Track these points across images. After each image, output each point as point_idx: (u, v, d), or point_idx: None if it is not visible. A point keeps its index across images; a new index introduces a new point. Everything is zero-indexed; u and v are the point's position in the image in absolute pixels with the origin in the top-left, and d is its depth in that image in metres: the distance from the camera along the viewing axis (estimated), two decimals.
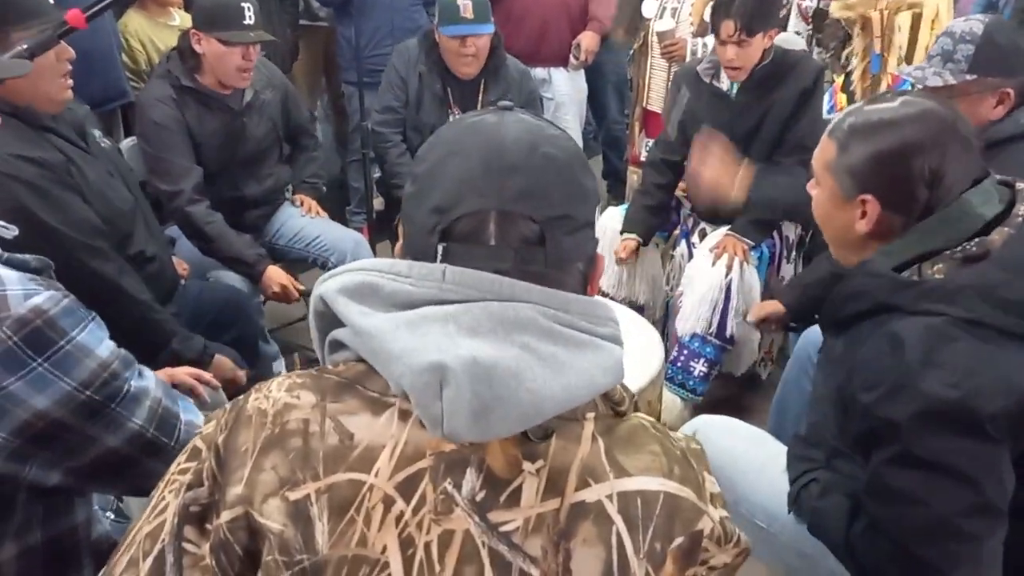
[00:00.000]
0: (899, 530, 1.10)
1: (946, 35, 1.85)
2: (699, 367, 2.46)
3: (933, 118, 1.17)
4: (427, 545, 0.69)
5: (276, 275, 2.41)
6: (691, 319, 2.45)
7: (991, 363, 1.07)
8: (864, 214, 1.22)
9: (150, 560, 0.72)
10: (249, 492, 0.69)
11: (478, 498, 0.70)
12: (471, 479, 0.70)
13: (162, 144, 2.30)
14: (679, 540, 0.73)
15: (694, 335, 2.45)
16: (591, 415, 0.74)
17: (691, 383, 2.48)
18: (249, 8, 2.30)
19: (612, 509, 0.71)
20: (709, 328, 2.43)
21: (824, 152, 1.27)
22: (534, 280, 0.72)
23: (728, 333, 2.44)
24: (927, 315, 1.10)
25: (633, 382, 1.81)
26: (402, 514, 0.69)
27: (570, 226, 0.75)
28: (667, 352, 2.41)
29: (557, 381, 0.69)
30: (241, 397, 0.77)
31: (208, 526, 0.71)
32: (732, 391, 2.67)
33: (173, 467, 0.77)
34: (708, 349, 2.46)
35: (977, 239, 1.15)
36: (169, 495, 0.75)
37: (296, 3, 3.61)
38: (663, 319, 2.80)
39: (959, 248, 1.15)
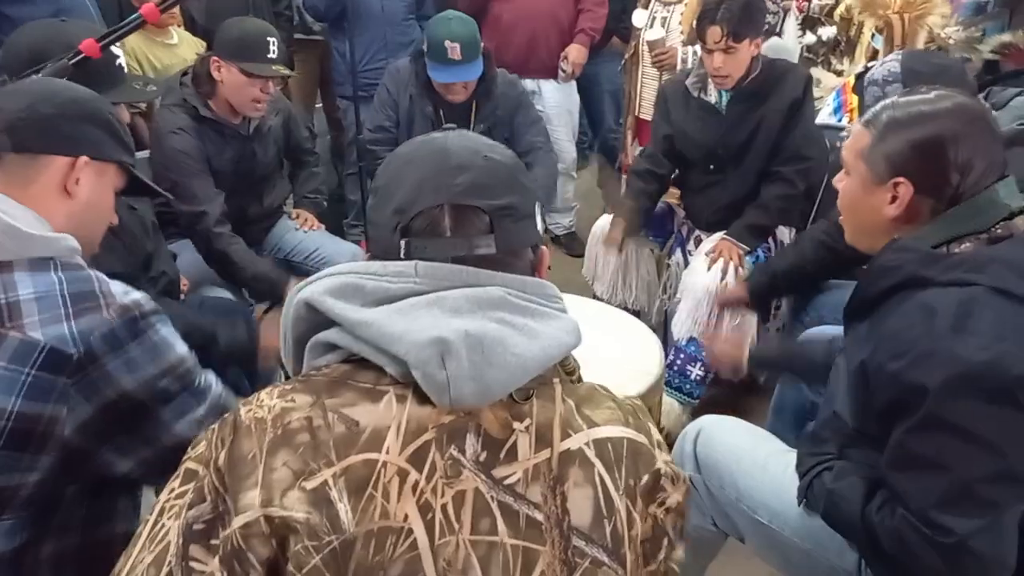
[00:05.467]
0: (921, 497, 1.13)
1: (872, 84, 1.95)
2: (696, 370, 2.49)
3: (967, 111, 1.25)
4: (444, 507, 0.75)
5: None
6: (687, 323, 2.47)
7: (1018, 330, 1.11)
8: (895, 198, 1.27)
9: None
10: (267, 492, 0.72)
11: (481, 458, 0.77)
12: (472, 443, 0.77)
13: (184, 171, 2.31)
14: (644, 478, 0.83)
15: (690, 339, 2.48)
16: (557, 380, 0.84)
17: (688, 386, 2.50)
18: (274, 43, 2.33)
19: (591, 454, 0.81)
20: (705, 332, 2.45)
21: (858, 141, 1.32)
22: (490, 264, 0.82)
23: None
24: (957, 285, 1.14)
25: (634, 387, 1.83)
26: (417, 483, 0.75)
27: (515, 215, 0.85)
28: (665, 357, 2.43)
29: (535, 344, 0.78)
30: (229, 414, 0.79)
31: (214, 541, 0.73)
32: (729, 395, 2.69)
33: (165, 495, 0.78)
34: (704, 353, 2.48)
35: (1002, 223, 1.22)
36: (168, 520, 0.76)
37: (291, 18, 3.63)
38: (663, 325, 2.82)
39: (985, 232, 1.22)
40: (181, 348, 1.14)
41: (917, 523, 1.12)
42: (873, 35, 3.00)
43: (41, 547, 1.07)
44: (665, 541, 0.86)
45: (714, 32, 2.34)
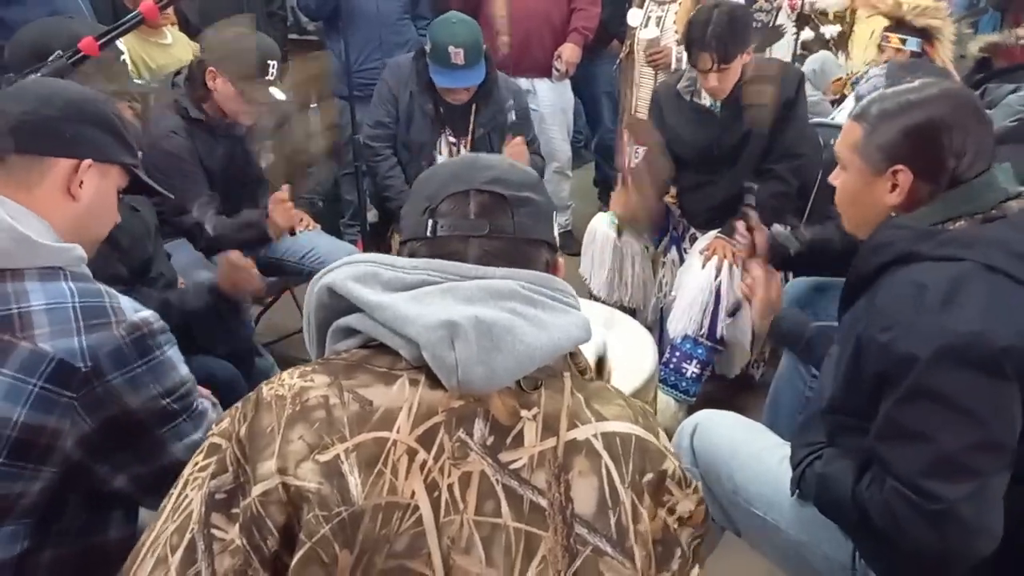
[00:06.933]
0: (908, 466, 1.15)
1: (858, 100, 1.96)
2: (691, 368, 2.50)
3: (954, 96, 1.29)
4: (450, 487, 0.77)
5: (274, 215, 2.41)
6: (682, 321, 2.48)
7: (1005, 305, 1.13)
8: (895, 186, 1.30)
9: (179, 553, 0.76)
10: (282, 462, 0.76)
11: (488, 443, 0.80)
12: (480, 427, 0.80)
13: (177, 172, 2.30)
14: (650, 475, 0.85)
15: (685, 336, 2.49)
16: (567, 374, 0.87)
17: (684, 384, 2.51)
18: (274, 65, 2.33)
19: (599, 446, 0.83)
20: (700, 330, 2.46)
21: (850, 135, 1.35)
22: (508, 252, 0.88)
23: (719, 334, 2.47)
24: (947, 260, 1.17)
25: (627, 383, 1.84)
26: (425, 462, 0.78)
27: (534, 207, 0.91)
28: (660, 355, 2.44)
29: (544, 335, 0.82)
30: (252, 392, 0.83)
31: (235, 510, 0.76)
32: (726, 393, 2.70)
33: (190, 468, 0.82)
34: (700, 350, 2.49)
35: (997, 206, 1.24)
36: (192, 492, 0.79)
37: (285, 18, 3.64)
38: (658, 323, 2.83)
39: (981, 213, 1.24)
40: (184, 370, 1.15)
41: (905, 491, 1.14)
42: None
43: (41, 554, 1.07)
44: (678, 552, 0.86)
45: (705, 59, 2.34)
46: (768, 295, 1.84)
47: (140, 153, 1.26)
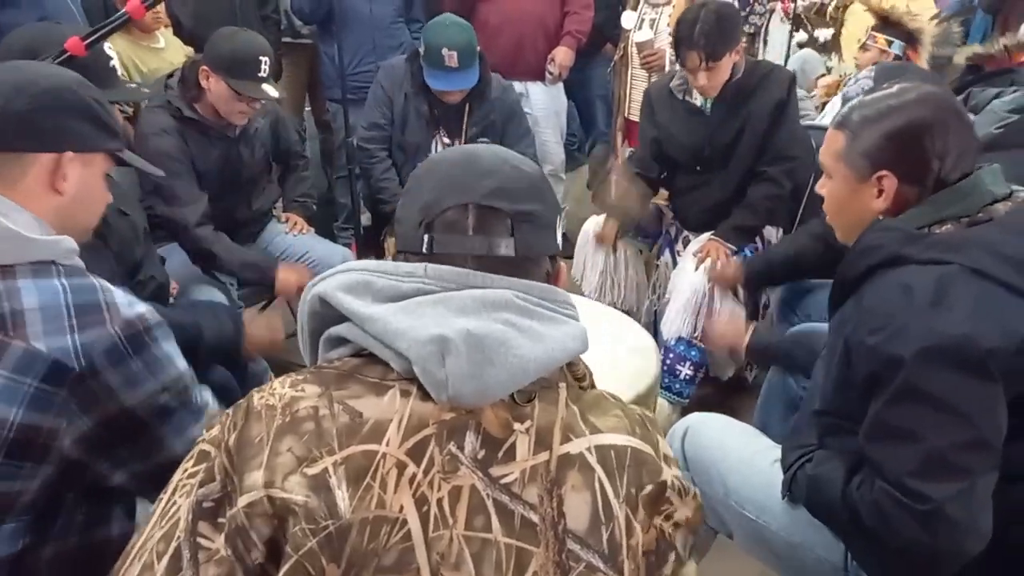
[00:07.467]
0: (897, 466, 1.15)
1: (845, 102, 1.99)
2: (685, 370, 2.50)
3: (933, 98, 1.30)
4: (439, 501, 0.76)
5: (287, 273, 2.41)
6: (676, 322, 2.48)
7: (992, 308, 1.14)
8: (881, 192, 1.31)
9: (165, 560, 0.75)
10: (270, 474, 0.75)
11: (479, 456, 0.78)
12: (471, 440, 0.79)
13: (168, 172, 2.26)
14: (648, 488, 0.83)
15: (679, 338, 2.49)
16: (563, 385, 0.85)
17: (677, 386, 2.52)
18: (265, 61, 2.32)
19: (592, 460, 0.81)
20: (694, 331, 2.46)
21: (833, 144, 1.36)
22: (508, 268, 0.84)
23: None
24: (935, 264, 1.17)
25: (630, 390, 1.82)
26: (414, 476, 0.76)
27: (536, 222, 0.87)
28: None
29: (538, 347, 0.80)
30: (243, 400, 0.82)
31: (221, 519, 0.75)
32: (719, 395, 2.70)
33: (179, 474, 0.81)
34: (693, 352, 2.49)
35: (984, 209, 1.25)
36: (180, 498, 0.79)
37: (279, 22, 3.63)
38: (652, 325, 2.83)
39: (967, 216, 1.25)
40: (181, 364, 1.13)
41: (894, 492, 1.15)
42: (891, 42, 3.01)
43: (41, 551, 1.07)
44: (672, 556, 0.86)
45: (693, 57, 2.35)
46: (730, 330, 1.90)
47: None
